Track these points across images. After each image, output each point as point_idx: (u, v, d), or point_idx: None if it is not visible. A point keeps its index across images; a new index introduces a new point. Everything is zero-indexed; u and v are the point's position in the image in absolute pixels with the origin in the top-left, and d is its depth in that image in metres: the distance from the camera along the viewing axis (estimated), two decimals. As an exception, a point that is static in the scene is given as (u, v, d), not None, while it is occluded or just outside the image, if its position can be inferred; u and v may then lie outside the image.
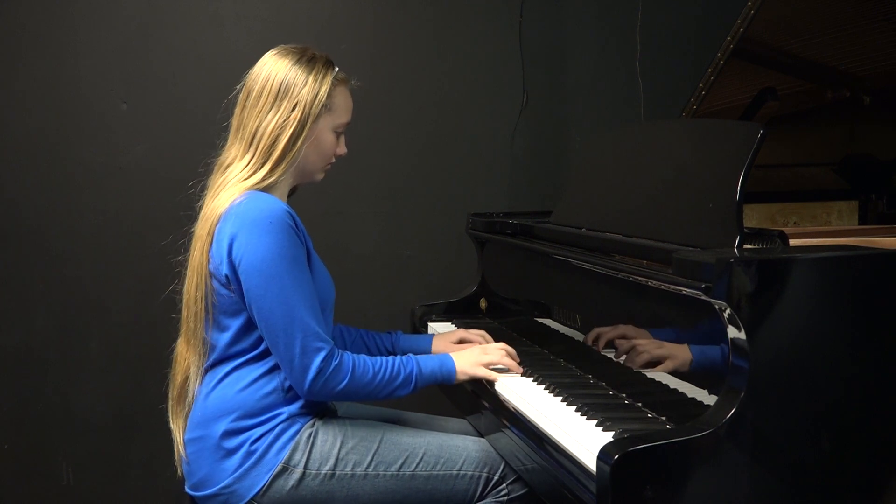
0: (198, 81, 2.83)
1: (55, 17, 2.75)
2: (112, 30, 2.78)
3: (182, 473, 1.80)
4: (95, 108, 2.79)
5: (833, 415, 1.36)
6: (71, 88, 2.77)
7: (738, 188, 1.54)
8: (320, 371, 1.65)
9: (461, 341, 2.04)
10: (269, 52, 1.81)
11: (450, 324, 2.42)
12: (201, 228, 1.75)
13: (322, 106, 1.76)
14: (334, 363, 1.67)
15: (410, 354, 1.81)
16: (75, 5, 2.76)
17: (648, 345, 1.59)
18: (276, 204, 1.69)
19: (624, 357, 1.68)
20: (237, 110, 1.80)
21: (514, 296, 2.35)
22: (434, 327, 2.41)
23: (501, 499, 1.79)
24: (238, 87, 1.82)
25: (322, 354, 1.65)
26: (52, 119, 2.77)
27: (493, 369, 1.84)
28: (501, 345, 1.89)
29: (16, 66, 2.74)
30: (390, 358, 1.75)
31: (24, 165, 2.76)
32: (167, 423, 1.83)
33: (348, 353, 1.70)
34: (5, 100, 2.74)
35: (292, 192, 1.92)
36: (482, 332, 2.06)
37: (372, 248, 3.01)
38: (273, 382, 1.73)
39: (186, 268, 1.78)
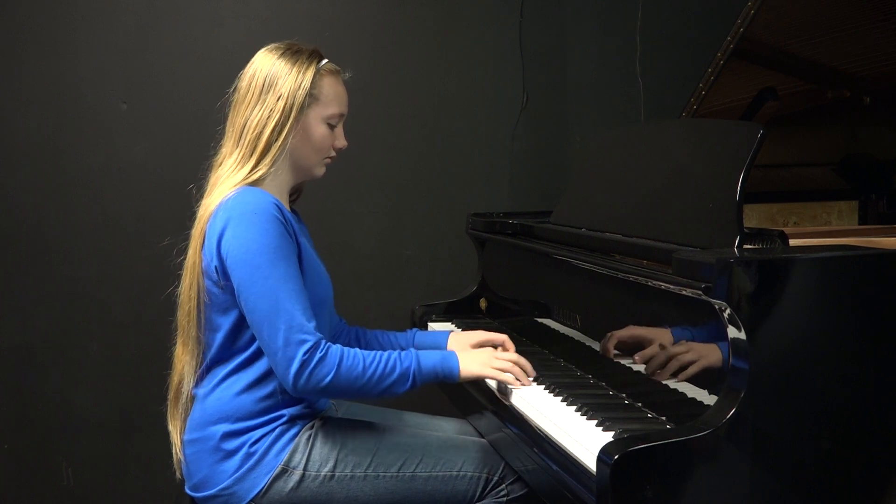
0: (198, 81, 2.83)
1: (55, 17, 2.75)
2: (112, 30, 2.78)
3: (181, 474, 1.80)
4: (95, 108, 2.79)
5: (833, 415, 1.36)
6: (71, 88, 2.77)
7: (738, 188, 1.54)
8: (304, 363, 1.61)
9: (479, 345, 1.93)
10: (259, 50, 1.82)
11: (450, 324, 2.42)
12: (196, 228, 1.76)
13: (307, 95, 1.75)
14: (318, 355, 1.62)
15: (412, 349, 1.77)
16: (75, 5, 2.76)
17: (679, 354, 1.53)
18: (264, 197, 1.69)
19: (645, 367, 1.65)
20: (230, 110, 1.81)
21: (514, 296, 2.35)
22: (434, 327, 2.41)
23: (501, 499, 1.78)
24: (230, 89, 1.82)
25: (306, 346, 1.62)
26: (52, 119, 2.77)
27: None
28: (515, 356, 1.81)
29: (16, 66, 2.74)
30: (387, 352, 1.71)
31: (23, 165, 2.76)
32: (167, 424, 1.83)
33: (338, 345, 1.67)
34: (5, 100, 2.74)
35: (298, 194, 1.92)
36: (505, 337, 1.94)
37: (372, 247, 3.00)
38: (269, 387, 1.72)
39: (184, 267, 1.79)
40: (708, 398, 1.42)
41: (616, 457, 1.25)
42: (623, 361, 1.69)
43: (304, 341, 1.63)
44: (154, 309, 2.80)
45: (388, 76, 2.96)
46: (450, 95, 3.04)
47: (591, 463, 1.35)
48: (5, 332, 2.78)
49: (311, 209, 1.99)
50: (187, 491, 1.77)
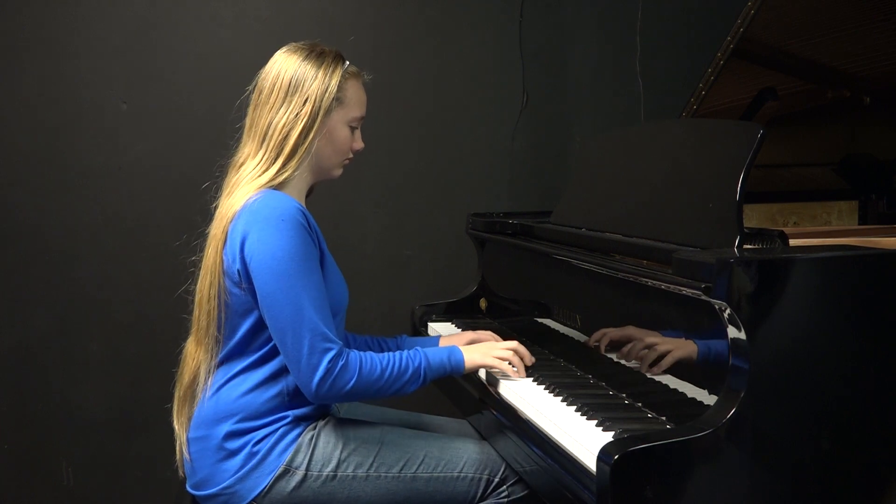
0: (198, 81, 2.83)
1: (55, 17, 2.75)
2: (112, 30, 2.78)
3: (183, 472, 1.80)
4: (95, 108, 2.79)
5: (833, 415, 1.36)
6: (71, 88, 2.77)
7: (738, 188, 1.54)
8: (328, 371, 1.63)
9: (470, 343, 1.99)
10: (279, 50, 1.81)
11: (450, 324, 2.42)
12: (216, 227, 1.75)
13: (333, 99, 1.76)
14: (341, 363, 1.65)
15: (417, 348, 1.79)
16: (75, 5, 2.76)
17: (656, 342, 1.58)
18: (290, 202, 1.69)
19: (628, 360, 1.67)
20: (249, 110, 1.80)
21: (514, 296, 2.35)
22: (434, 327, 2.41)
23: (502, 500, 1.78)
24: (250, 87, 1.82)
25: (330, 355, 1.64)
26: (52, 119, 2.77)
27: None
28: (514, 343, 1.86)
29: (16, 66, 2.74)
30: (398, 353, 1.74)
31: (24, 165, 2.76)
32: (168, 423, 1.83)
33: (355, 351, 1.69)
34: (5, 100, 2.74)
35: (310, 192, 1.92)
36: (491, 333, 2.03)
37: (372, 248, 3.01)
38: (276, 387, 1.72)
39: (200, 267, 1.78)
40: (708, 398, 1.42)
41: (616, 457, 1.25)
42: (623, 361, 1.69)
43: (329, 349, 1.64)
44: (154, 309, 2.80)
45: (388, 76, 2.96)
46: (450, 95, 3.04)
47: (591, 463, 1.35)
48: (5, 332, 2.78)
49: (313, 209, 1.99)
50: (188, 489, 1.78)
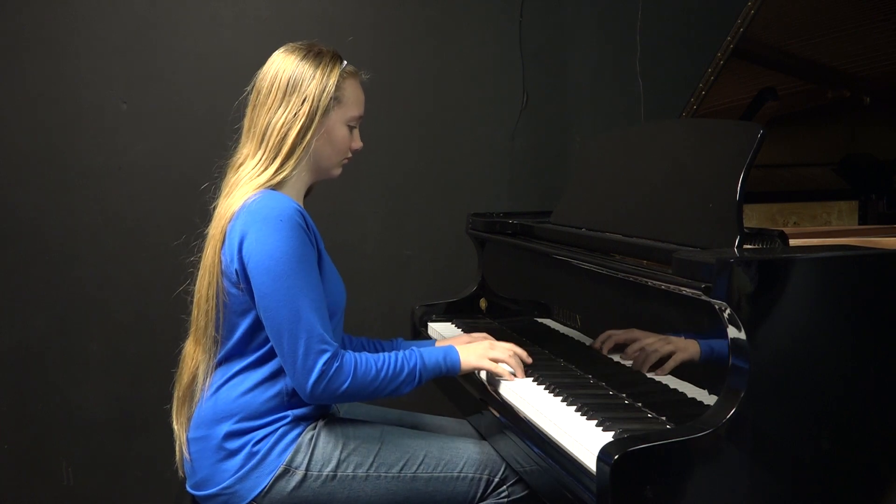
0: (198, 81, 2.83)
1: (55, 17, 2.75)
2: (112, 30, 2.78)
3: (183, 472, 1.80)
4: (95, 108, 2.79)
5: (833, 415, 1.36)
6: (71, 88, 2.77)
7: (738, 188, 1.54)
8: (322, 373, 1.64)
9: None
10: (277, 50, 1.81)
11: (450, 324, 2.42)
12: (214, 228, 1.75)
13: (331, 99, 1.76)
14: (336, 365, 1.65)
15: (413, 348, 1.79)
16: (75, 5, 2.76)
17: (658, 345, 1.58)
18: (288, 203, 1.69)
19: (632, 362, 1.67)
20: (248, 110, 1.80)
21: (514, 296, 2.35)
22: (434, 327, 2.41)
23: (502, 500, 1.78)
24: (248, 88, 1.82)
25: (325, 357, 1.64)
26: (52, 119, 2.77)
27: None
28: (510, 345, 1.87)
29: (16, 66, 2.74)
30: (393, 354, 1.74)
31: (24, 165, 2.76)
32: (168, 423, 1.83)
33: (350, 352, 1.69)
34: (5, 100, 2.74)
35: (309, 192, 1.92)
36: (486, 335, 2.03)
37: (372, 248, 3.01)
38: (275, 387, 1.73)
39: (199, 267, 1.78)
40: (708, 398, 1.42)
41: (616, 457, 1.25)
42: (623, 361, 1.69)
43: (324, 351, 1.64)
44: (154, 309, 2.81)
45: (388, 76, 2.96)
46: (450, 95, 3.04)
47: (591, 463, 1.35)
48: (5, 332, 2.78)
49: (312, 210, 1.99)
50: (188, 489, 1.78)
